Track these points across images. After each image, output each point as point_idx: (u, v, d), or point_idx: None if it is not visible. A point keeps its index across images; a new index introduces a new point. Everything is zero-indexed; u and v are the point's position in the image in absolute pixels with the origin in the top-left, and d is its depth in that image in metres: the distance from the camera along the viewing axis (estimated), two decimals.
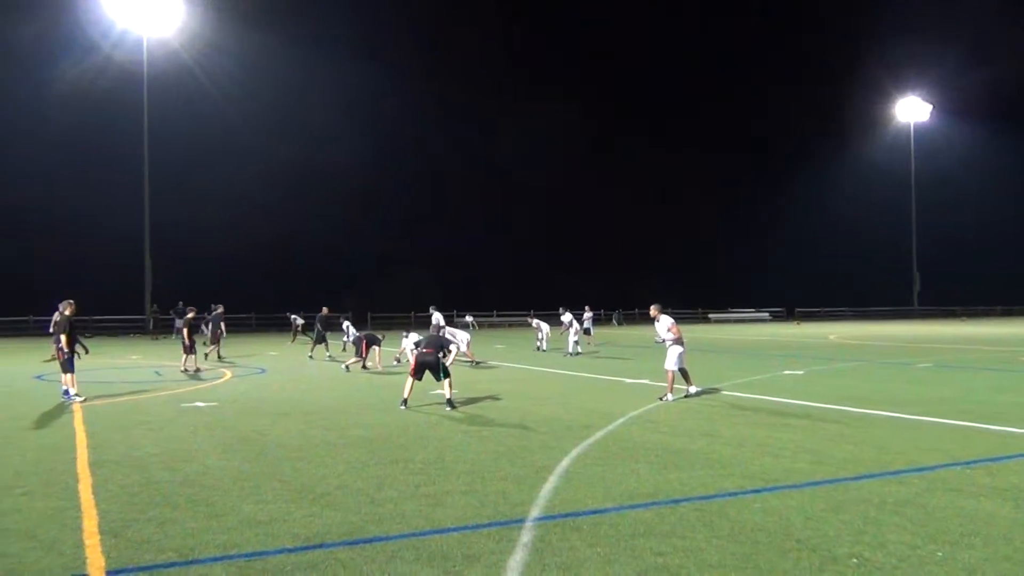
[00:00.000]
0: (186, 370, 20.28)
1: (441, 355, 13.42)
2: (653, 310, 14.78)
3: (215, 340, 25.62)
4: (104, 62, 48.01)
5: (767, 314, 71.61)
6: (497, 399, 14.41)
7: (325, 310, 27.21)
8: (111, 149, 50.31)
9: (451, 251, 65.91)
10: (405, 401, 13.23)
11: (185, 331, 20.81)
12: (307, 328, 32.74)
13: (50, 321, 15.03)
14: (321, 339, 26.28)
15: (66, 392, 14.39)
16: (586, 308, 32.56)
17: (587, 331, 32.02)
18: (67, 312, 14.77)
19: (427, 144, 67.54)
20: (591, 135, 76.83)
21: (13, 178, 48.02)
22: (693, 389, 14.52)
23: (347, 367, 20.48)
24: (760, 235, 79.05)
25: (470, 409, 13.07)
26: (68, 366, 14.46)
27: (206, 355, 24.62)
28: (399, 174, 66.70)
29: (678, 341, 14.23)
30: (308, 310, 37.84)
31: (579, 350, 26.61)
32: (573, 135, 72.91)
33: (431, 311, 24.04)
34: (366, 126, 62.50)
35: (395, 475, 8.09)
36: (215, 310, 26.41)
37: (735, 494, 7.22)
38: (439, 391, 13.73)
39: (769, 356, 26.08)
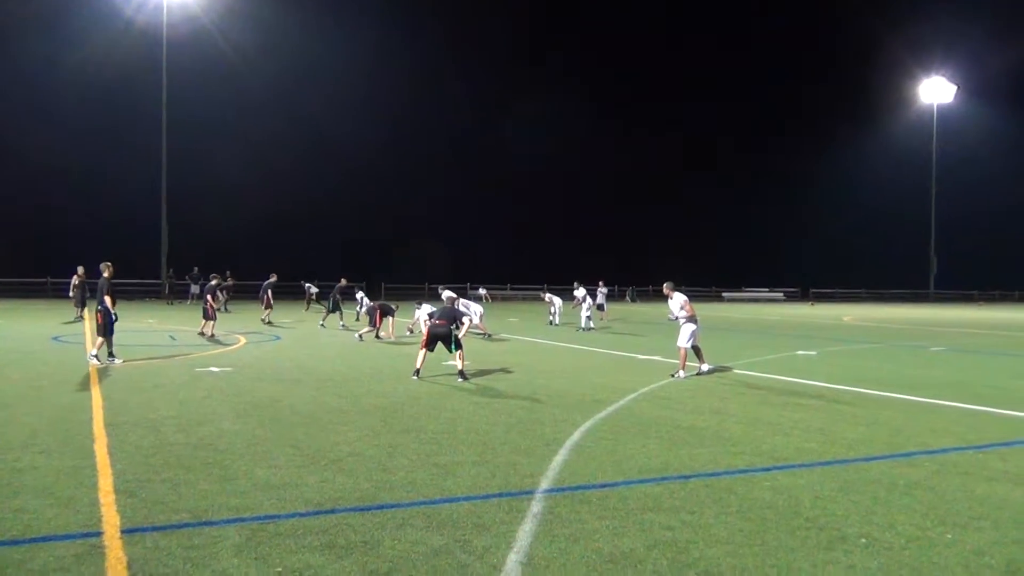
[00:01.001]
0: (203, 334, 20.49)
1: (454, 327, 13.48)
2: (667, 288, 14.76)
3: (268, 305, 27.12)
4: (124, 26, 47.96)
5: (781, 294, 71.33)
6: (509, 372, 14.45)
7: (343, 280, 27.64)
8: (129, 113, 50.42)
9: (467, 223, 65.85)
10: (417, 371, 13.30)
11: (209, 297, 20.98)
12: (321, 297, 33.10)
13: (68, 284, 15.15)
14: (336, 308, 26.55)
15: (111, 355, 14.51)
16: (599, 284, 32.54)
17: (600, 307, 32.03)
18: (106, 275, 14.90)
19: (447, 114, 67.26)
20: (610, 111, 76.35)
21: (32, 141, 48.18)
22: (705, 367, 14.49)
23: (360, 336, 20.58)
24: (777, 214, 78.52)
25: (482, 381, 13.12)
26: (109, 329, 14.55)
27: (262, 320, 26.62)
28: (417, 144, 66.61)
29: (691, 319, 14.20)
30: (323, 279, 38.01)
31: (591, 325, 26.63)
32: (592, 110, 72.52)
33: (441, 290, 23.30)
34: (385, 93, 62.35)
35: (407, 444, 8.15)
36: (269, 278, 27.97)
37: (745, 471, 7.23)
38: (451, 362, 13.78)
39: (782, 336, 26.01)
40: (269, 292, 27.53)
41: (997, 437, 9.01)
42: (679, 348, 14.19)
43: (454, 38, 68.07)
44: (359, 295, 27.66)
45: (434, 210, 65.53)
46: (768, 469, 7.33)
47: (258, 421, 9.27)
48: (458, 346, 13.39)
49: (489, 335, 22.57)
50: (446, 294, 15.57)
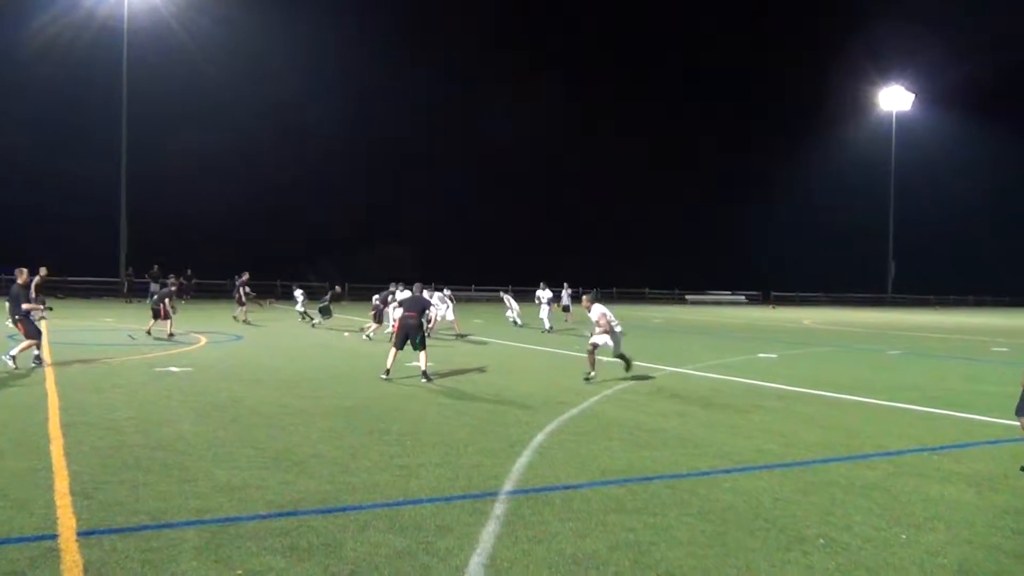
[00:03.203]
0: (149, 332, 20.20)
1: (424, 319, 13.64)
2: (586, 300, 14.09)
3: (241, 303, 26.76)
4: (85, 17, 47.10)
5: (743, 297, 72.16)
6: (473, 373, 14.44)
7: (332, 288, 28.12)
8: (89, 107, 49.48)
9: (431, 223, 65.67)
10: (388, 372, 13.20)
11: (167, 300, 20.46)
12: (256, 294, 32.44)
13: (11, 280, 14.61)
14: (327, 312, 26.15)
15: (37, 359, 13.89)
16: (565, 285, 32.65)
17: (566, 308, 32.17)
18: (20, 280, 14.23)
19: (412, 108, 66.96)
20: (575, 115, 76.64)
21: None
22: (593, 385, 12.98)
23: (369, 336, 21.10)
24: (739, 218, 79.45)
25: (446, 382, 13.09)
26: (33, 332, 13.84)
27: (234, 317, 26.45)
28: (381, 141, 66.25)
29: (608, 333, 13.68)
30: (287, 278, 37.60)
31: (550, 326, 26.61)
32: (556, 110, 72.66)
33: (392, 288, 22.52)
34: (348, 89, 61.95)
35: (370, 445, 8.11)
36: (242, 276, 27.40)
37: (706, 473, 7.31)
38: (415, 363, 13.74)
39: (744, 339, 26.30)
40: (242, 290, 27.00)
41: (952, 439, 9.20)
42: (589, 349, 13.74)
43: (420, 36, 67.97)
44: (297, 293, 27.79)
45: (397, 208, 65.32)
46: (729, 471, 7.42)
47: (219, 422, 9.17)
48: (422, 345, 13.36)
49: (460, 335, 22.63)
50: (416, 286, 15.53)
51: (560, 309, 32.10)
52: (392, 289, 21.99)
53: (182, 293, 27.35)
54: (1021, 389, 7.40)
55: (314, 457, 7.53)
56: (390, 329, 21.18)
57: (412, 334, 13.29)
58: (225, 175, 54.20)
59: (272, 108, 58.25)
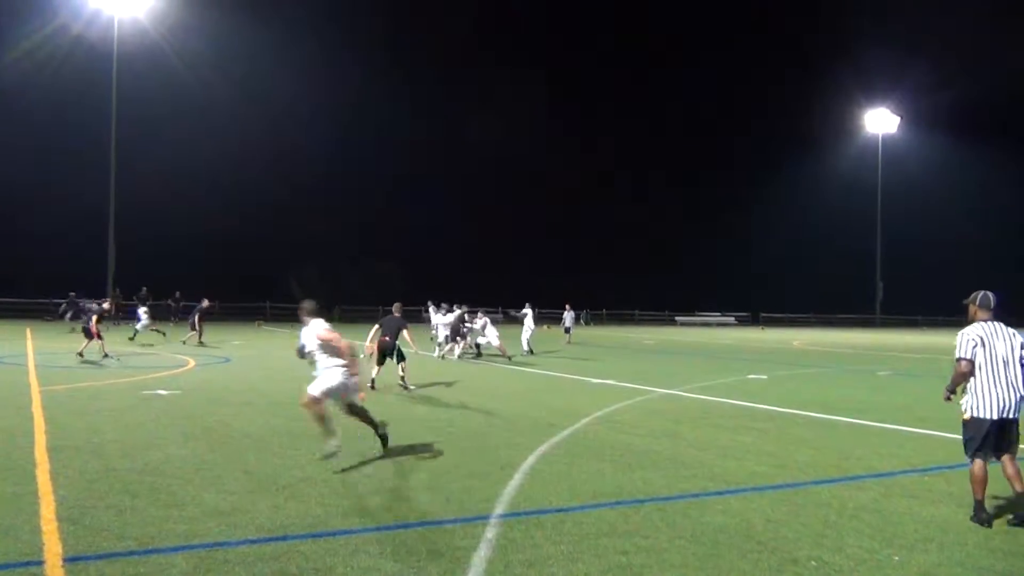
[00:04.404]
0: (81, 354, 19.32)
1: (398, 341, 14.69)
2: (302, 309, 8.99)
3: (193, 328, 26.11)
4: (74, 41, 47.19)
5: (733, 318, 72.30)
6: (463, 395, 14.39)
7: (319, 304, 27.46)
8: (79, 130, 49.37)
9: (417, 243, 65.55)
10: (372, 382, 14.16)
11: (95, 318, 19.70)
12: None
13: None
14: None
15: None
16: (567, 307, 32.73)
17: (567, 330, 32.31)
18: None
19: (398, 128, 67.01)
20: (558, 128, 76.80)
21: None
22: (334, 444, 8.15)
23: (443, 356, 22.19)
24: (727, 239, 79.73)
25: (435, 405, 13.05)
26: None
27: (184, 341, 25.82)
28: (368, 160, 66.37)
29: (335, 355, 8.51)
30: (276, 298, 37.30)
31: (528, 348, 26.09)
32: (540, 128, 72.83)
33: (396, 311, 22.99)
34: (336, 109, 62.16)
35: (360, 468, 8.06)
36: (201, 303, 27.18)
37: (698, 495, 7.28)
38: (407, 387, 13.74)
39: (734, 360, 26.33)
40: (196, 316, 26.35)
41: (942, 460, 9.21)
42: (309, 397, 8.42)
43: (405, 53, 68.33)
44: (140, 311, 28.03)
45: (387, 227, 65.21)
46: (721, 493, 7.39)
47: (207, 445, 9.09)
48: (402, 358, 14.58)
49: (510, 356, 22.90)
50: (395, 306, 15.81)
51: (563, 330, 32.34)
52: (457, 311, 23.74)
53: (111, 316, 26.76)
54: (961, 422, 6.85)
55: (303, 481, 7.47)
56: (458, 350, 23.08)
57: (388, 352, 14.57)
58: (214, 196, 54.12)
59: (260, 128, 58.18)
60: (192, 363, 19.58)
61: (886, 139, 79.97)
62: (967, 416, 6.63)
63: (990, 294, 6.81)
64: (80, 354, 19.36)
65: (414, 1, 69.27)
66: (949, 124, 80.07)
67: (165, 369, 17.93)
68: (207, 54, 52.86)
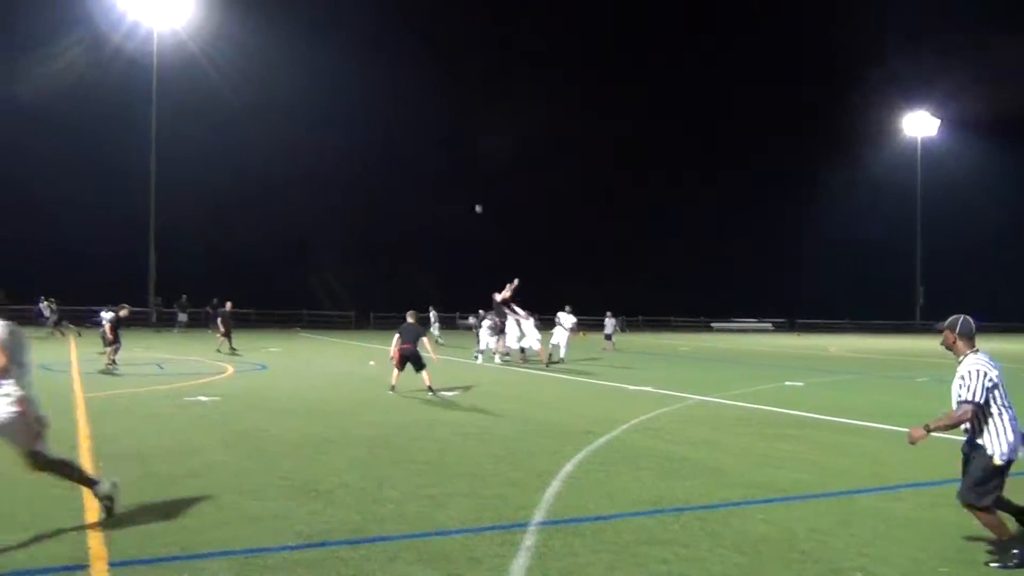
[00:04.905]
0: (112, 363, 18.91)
1: (418, 346, 15.06)
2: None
3: (221, 332, 25.94)
4: (114, 53, 48.13)
5: (769, 324, 71.52)
6: (498, 401, 14.38)
7: (228, 304, 27.28)
8: (118, 140, 50.27)
9: (451, 246, 65.54)
10: (393, 387, 14.91)
11: (107, 326, 19.47)
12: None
13: (46, 311, 14.82)
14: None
15: None
16: (608, 314, 32.60)
17: (608, 337, 32.17)
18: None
19: (432, 133, 67.20)
20: (608, 143, 76.52)
21: (19, 166, 47.98)
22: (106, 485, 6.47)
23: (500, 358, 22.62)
24: (764, 245, 78.94)
25: (471, 411, 13.05)
26: None
27: (218, 350, 25.36)
28: (403, 169, 66.67)
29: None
30: (313, 306, 37.63)
31: (563, 356, 25.02)
32: (573, 129, 72.58)
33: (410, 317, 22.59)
34: (375, 120, 62.45)
35: (396, 475, 8.08)
36: (222, 306, 26.98)
37: (738, 504, 7.20)
38: (434, 391, 13.81)
39: (770, 367, 26.04)
40: (219, 320, 26.28)
41: None
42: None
43: (442, 63, 68.54)
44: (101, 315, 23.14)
45: (420, 233, 65.29)
46: (762, 501, 7.30)
47: (246, 451, 9.18)
48: (424, 366, 14.90)
49: (549, 363, 22.72)
50: (409, 313, 15.95)
51: (604, 338, 32.27)
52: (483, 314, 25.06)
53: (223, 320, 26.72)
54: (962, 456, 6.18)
55: (341, 487, 7.50)
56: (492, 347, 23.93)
57: (412, 360, 14.98)
58: (249, 206, 54.69)
59: (296, 140, 58.78)
60: (231, 370, 19.80)
61: (925, 142, 78.77)
62: (998, 462, 5.71)
63: (971, 320, 6.05)
64: (113, 361, 18.80)
65: (450, 18, 69.46)
66: (989, 127, 78.60)
67: (205, 376, 18.15)
68: (244, 65, 53.55)
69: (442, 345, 29.92)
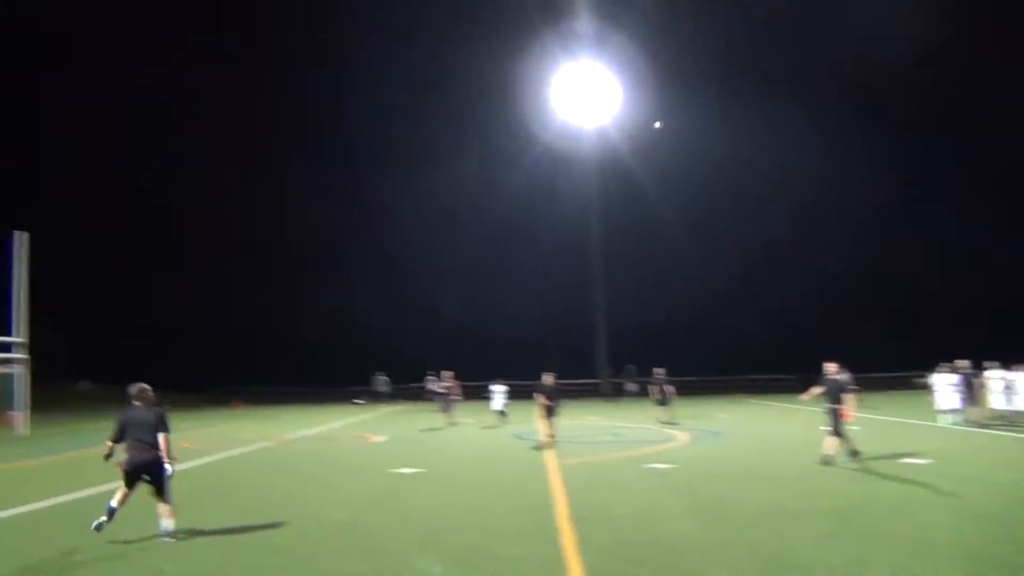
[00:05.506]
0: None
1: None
2: None
3: (664, 402, 26.01)
4: (544, 151, 52.44)
5: None
6: (981, 468, 12.63)
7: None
8: (557, 229, 54.08)
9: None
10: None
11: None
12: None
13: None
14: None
15: None
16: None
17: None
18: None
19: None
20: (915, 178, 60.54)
21: (454, 255, 54.33)
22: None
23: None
24: None
25: (953, 480, 11.61)
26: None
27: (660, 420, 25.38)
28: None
29: None
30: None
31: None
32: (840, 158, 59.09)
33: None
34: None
35: (873, 552, 7.47)
36: (657, 373, 27.09)
37: None
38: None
39: None
40: (656, 387, 25.87)
41: None
42: None
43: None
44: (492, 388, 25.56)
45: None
46: None
47: (709, 520, 9.19)
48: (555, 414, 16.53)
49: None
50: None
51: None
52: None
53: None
54: None
55: (814, 563, 7.13)
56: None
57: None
58: (688, 279, 54.79)
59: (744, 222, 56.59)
60: (685, 437, 20.08)
61: None
62: None
63: None
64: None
65: None
66: None
67: (659, 443, 18.67)
68: (672, 157, 53.91)
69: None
